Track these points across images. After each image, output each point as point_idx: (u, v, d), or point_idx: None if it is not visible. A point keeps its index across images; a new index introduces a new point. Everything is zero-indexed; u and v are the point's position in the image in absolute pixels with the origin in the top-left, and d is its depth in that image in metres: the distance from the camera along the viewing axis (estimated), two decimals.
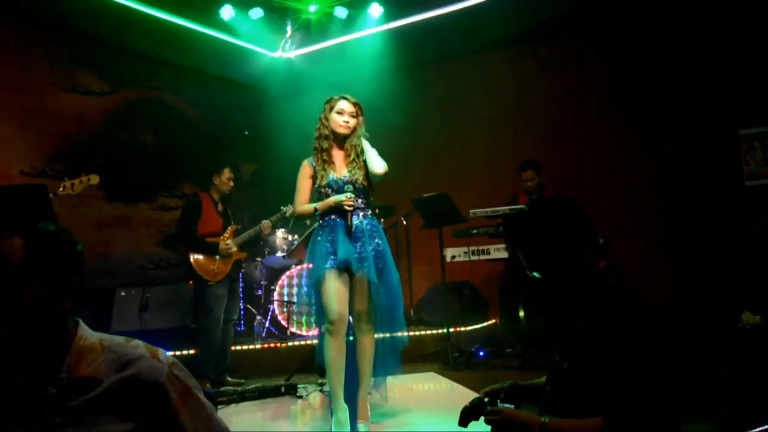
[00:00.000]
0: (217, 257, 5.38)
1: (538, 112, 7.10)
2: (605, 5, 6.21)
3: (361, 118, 3.88)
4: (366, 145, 3.82)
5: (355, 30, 7.34)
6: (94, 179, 4.55)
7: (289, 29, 7.45)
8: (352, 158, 3.82)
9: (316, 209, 3.79)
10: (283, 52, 7.83)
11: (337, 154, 3.89)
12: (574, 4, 6.26)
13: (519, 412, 1.83)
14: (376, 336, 3.81)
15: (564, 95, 6.90)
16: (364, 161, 3.79)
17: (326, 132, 3.85)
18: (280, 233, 6.62)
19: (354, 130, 3.85)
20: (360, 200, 3.80)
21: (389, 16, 7.07)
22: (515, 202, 6.19)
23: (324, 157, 3.83)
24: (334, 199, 3.73)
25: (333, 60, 7.74)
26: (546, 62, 7.06)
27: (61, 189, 4.31)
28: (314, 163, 3.87)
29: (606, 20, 6.43)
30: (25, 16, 6.22)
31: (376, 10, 6.96)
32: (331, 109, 3.85)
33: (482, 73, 7.43)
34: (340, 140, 3.87)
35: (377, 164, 3.74)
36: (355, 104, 3.86)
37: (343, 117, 3.82)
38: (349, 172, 3.80)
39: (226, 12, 6.82)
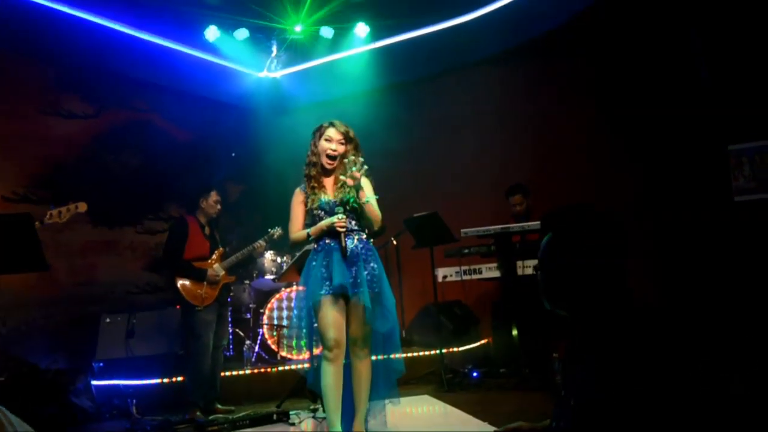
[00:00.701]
0: (204, 282, 5.29)
1: (529, 128, 7.08)
2: (595, 21, 6.21)
3: (350, 145, 3.83)
4: (366, 189, 3.72)
5: (342, 49, 7.34)
6: (82, 207, 4.37)
7: (274, 49, 7.42)
8: (340, 184, 3.78)
9: (309, 235, 3.77)
10: (268, 71, 7.80)
11: (327, 180, 3.87)
12: (563, 20, 6.26)
13: None
14: (372, 358, 3.78)
15: (554, 110, 6.89)
16: (356, 187, 3.70)
17: (315, 159, 3.84)
18: (268, 255, 6.55)
19: (343, 156, 3.80)
20: (353, 222, 3.78)
21: (375, 35, 7.07)
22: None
23: (313, 184, 3.82)
24: (326, 221, 3.70)
25: (319, 79, 7.73)
26: (535, 77, 7.05)
27: (47, 217, 4.14)
28: (304, 190, 3.86)
29: (596, 35, 6.43)
30: (7, 42, 6.12)
31: (362, 29, 6.95)
32: (320, 136, 3.83)
33: (471, 90, 7.41)
34: (330, 167, 3.84)
35: (374, 217, 3.72)
36: (344, 132, 3.81)
37: (331, 144, 3.78)
38: (335, 195, 3.78)
39: (211, 33, 6.78)
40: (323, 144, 3.79)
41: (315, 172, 3.83)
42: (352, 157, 3.64)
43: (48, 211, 4.19)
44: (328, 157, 3.78)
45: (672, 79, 6.00)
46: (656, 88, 6.15)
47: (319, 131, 3.85)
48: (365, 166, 3.71)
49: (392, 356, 3.86)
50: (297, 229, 3.85)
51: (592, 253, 1.65)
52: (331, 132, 3.80)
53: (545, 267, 1.73)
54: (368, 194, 3.70)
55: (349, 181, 3.63)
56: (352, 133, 3.84)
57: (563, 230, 1.70)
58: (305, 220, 3.87)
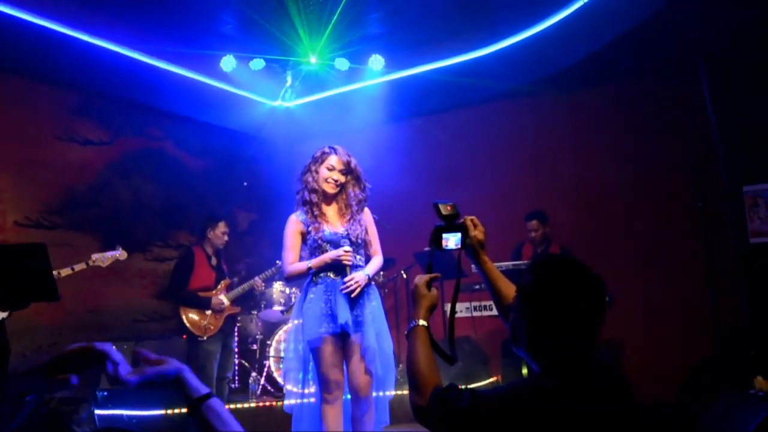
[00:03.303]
0: (209, 312, 5.26)
1: (543, 162, 7.04)
2: (614, 58, 6.19)
3: (351, 176, 3.69)
4: (369, 225, 3.75)
5: (356, 80, 7.36)
6: (123, 255, 4.95)
7: (289, 79, 7.46)
8: (348, 217, 3.65)
9: (309, 268, 3.57)
10: (283, 101, 7.83)
11: (329, 209, 3.71)
12: (584, 56, 6.23)
13: (424, 293, 1.96)
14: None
15: (572, 146, 6.86)
16: (360, 219, 3.68)
17: (315, 186, 3.66)
18: (277, 286, 6.49)
19: (343, 187, 3.69)
20: (358, 257, 3.64)
21: (390, 67, 7.09)
22: (520, 250, 6.09)
23: (315, 212, 3.64)
24: (331, 254, 3.52)
25: (333, 110, 7.75)
26: (553, 112, 7.01)
27: (92, 261, 4.77)
28: (303, 218, 3.68)
29: (613, 73, 6.42)
30: (25, 68, 6.20)
31: (376, 61, 6.97)
32: (322, 162, 3.66)
33: (484, 124, 7.38)
34: (330, 196, 3.70)
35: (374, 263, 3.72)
36: (345, 162, 3.66)
37: (332, 174, 3.63)
38: (347, 229, 3.63)
39: (227, 63, 6.83)
40: (324, 172, 3.63)
41: (317, 199, 3.65)
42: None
43: (92, 254, 4.82)
44: (329, 186, 3.64)
45: (686, 117, 5.98)
46: (671, 125, 6.12)
47: (321, 156, 3.68)
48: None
49: (381, 394, 3.68)
50: (293, 260, 3.63)
51: (561, 308, 1.61)
52: (333, 160, 3.64)
53: (515, 309, 1.72)
54: (367, 269, 3.65)
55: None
56: (353, 164, 3.69)
57: (539, 279, 1.67)
58: (305, 249, 3.69)
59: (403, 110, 7.60)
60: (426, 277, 2.00)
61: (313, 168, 3.69)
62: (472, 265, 5.31)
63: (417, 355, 1.83)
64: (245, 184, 8.24)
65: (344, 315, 3.47)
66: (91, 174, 6.82)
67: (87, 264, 4.71)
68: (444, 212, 2.08)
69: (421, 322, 1.91)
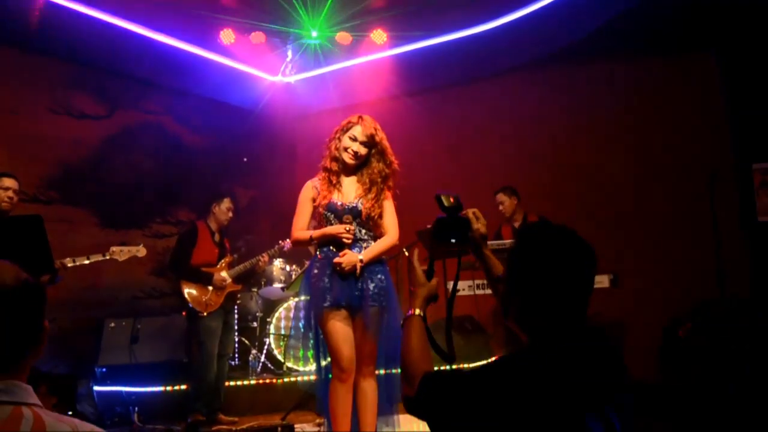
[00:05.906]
0: (210, 288, 5.21)
1: (548, 139, 6.94)
2: (623, 32, 6.07)
3: (374, 149, 3.51)
4: (387, 209, 3.56)
5: (358, 56, 7.23)
6: (142, 252, 4.87)
7: (289, 53, 7.32)
8: (367, 192, 3.49)
9: (311, 237, 3.47)
10: (283, 76, 7.70)
11: (347, 180, 3.56)
12: (591, 31, 6.11)
13: (422, 282, 1.87)
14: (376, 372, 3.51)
15: (578, 121, 6.74)
16: (379, 197, 3.50)
17: (335, 154, 3.53)
18: (277, 263, 6.43)
19: (366, 160, 3.52)
20: (363, 231, 3.50)
21: (393, 42, 6.97)
22: (499, 233, 5.99)
23: (331, 179, 3.51)
24: (332, 229, 3.40)
25: (334, 85, 7.63)
26: (560, 87, 6.88)
27: (110, 252, 4.68)
28: (317, 185, 3.56)
29: (621, 47, 6.30)
30: (17, 40, 6.07)
31: (379, 36, 6.85)
32: (346, 131, 3.51)
33: (487, 99, 7.28)
34: (350, 167, 3.54)
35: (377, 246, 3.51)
36: (369, 135, 3.47)
37: (353, 145, 3.47)
38: (356, 204, 3.47)
39: (227, 36, 6.69)
40: (346, 141, 3.47)
41: (336, 168, 3.52)
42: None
43: (111, 247, 4.73)
44: (348, 156, 3.48)
45: (696, 93, 5.87)
46: (681, 101, 6.01)
47: (346, 125, 3.53)
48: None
49: (394, 372, 3.56)
50: (300, 227, 3.54)
51: (547, 272, 1.54)
52: (357, 131, 3.48)
53: (504, 279, 1.68)
54: (365, 253, 3.44)
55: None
56: (378, 137, 3.50)
57: (529, 246, 1.62)
58: (311, 218, 3.60)
59: (405, 85, 7.47)
60: (424, 266, 1.93)
61: (337, 135, 3.55)
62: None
63: (410, 346, 1.75)
64: (245, 160, 8.14)
65: (342, 290, 3.37)
66: (88, 148, 6.72)
67: (104, 255, 4.59)
68: (446, 204, 2.00)
69: (417, 311, 1.84)
